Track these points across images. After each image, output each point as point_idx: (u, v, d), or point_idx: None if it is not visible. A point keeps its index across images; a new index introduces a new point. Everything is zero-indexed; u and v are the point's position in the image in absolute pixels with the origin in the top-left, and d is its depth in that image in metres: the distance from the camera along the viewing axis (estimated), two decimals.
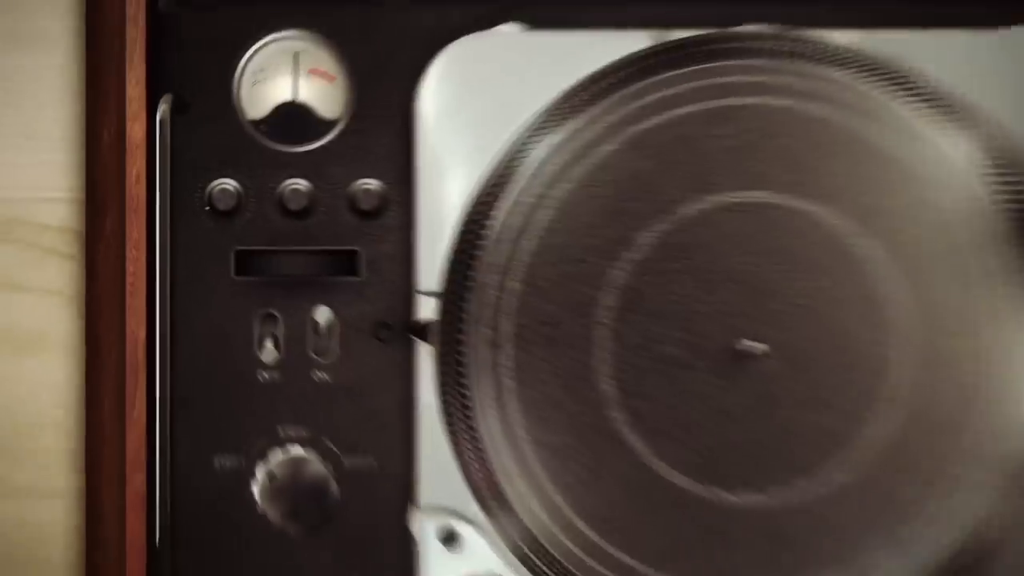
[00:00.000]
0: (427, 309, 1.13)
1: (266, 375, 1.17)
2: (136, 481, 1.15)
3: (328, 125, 1.17)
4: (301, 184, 1.16)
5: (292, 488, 1.16)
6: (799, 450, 1.17)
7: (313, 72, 1.16)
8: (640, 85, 1.14)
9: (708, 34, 1.14)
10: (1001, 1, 1.17)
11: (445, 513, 1.15)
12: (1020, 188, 1.13)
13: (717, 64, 1.14)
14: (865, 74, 1.15)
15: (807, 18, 1.17)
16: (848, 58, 1.15)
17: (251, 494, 1.16)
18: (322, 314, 1.16)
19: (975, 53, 1.15)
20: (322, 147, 1.17)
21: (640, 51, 1.14)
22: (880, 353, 1.16)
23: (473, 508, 1.12)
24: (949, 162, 1.14)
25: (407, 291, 1.17)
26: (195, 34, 1.18)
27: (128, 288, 1.17)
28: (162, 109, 1.15)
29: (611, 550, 1.14)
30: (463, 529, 1.14)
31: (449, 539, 1.14)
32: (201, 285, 1.18)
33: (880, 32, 1.14)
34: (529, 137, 1.14)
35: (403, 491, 1.16)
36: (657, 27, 1.15)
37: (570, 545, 1.13)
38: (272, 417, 1.17)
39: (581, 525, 1.13)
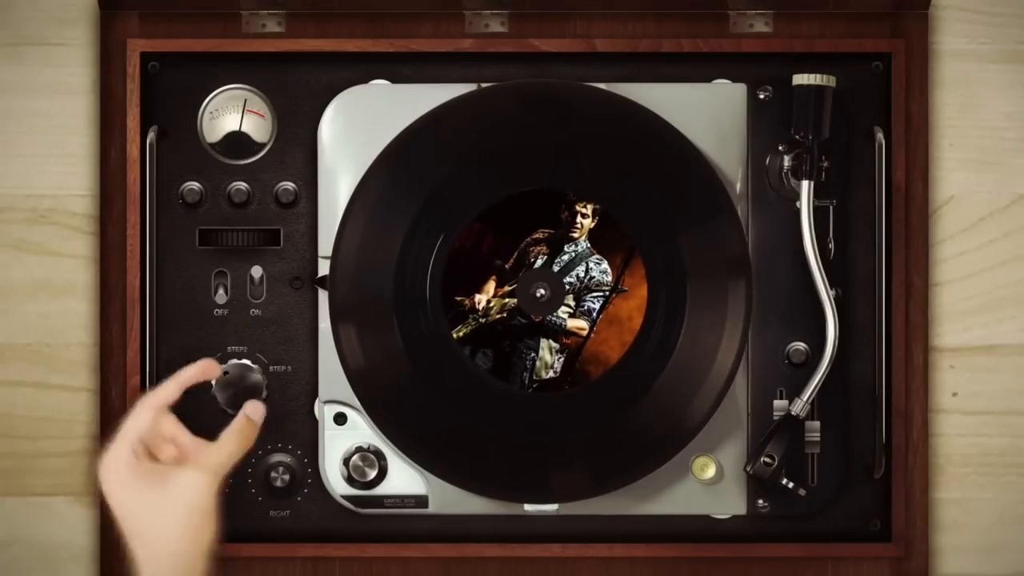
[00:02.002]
0: (324, 267, 1.33)
1: (219, 311, 1.36)
2: (133, 381, 1.34)
3: (261, 146, 1.36)
4: (243, 185, 1.35)
5: (237, 382, 1.34)
6: None
7: (251, 111, 1.35)
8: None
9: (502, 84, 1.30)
10: (706, 62, 1.34)
11: (337, 403, 1.34)
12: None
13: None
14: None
15: (577, 75, 1.34)
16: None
17: (209, 389, 1.33)
18: (256, 271, 1.36)
19: (690, 101, 1.33)
20: (256, 161, 1.36)
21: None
22: None
23: (355, 398, 1.33)
24: None
25: (312, 256, 1.35)
26: (172, 86, 1.35)
27: (128, 253, 1.34)
28: (150, 136, 1.32)
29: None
30: (349, 413, 1.35)
31: (340, 420, 1.35)
32: (176, 253, 1.35)
33: (624, 84, 1.32)
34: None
35: (309, 388, 1.35)
36: (476, 81, 1.33)
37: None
38: (223, 339, 1.36)
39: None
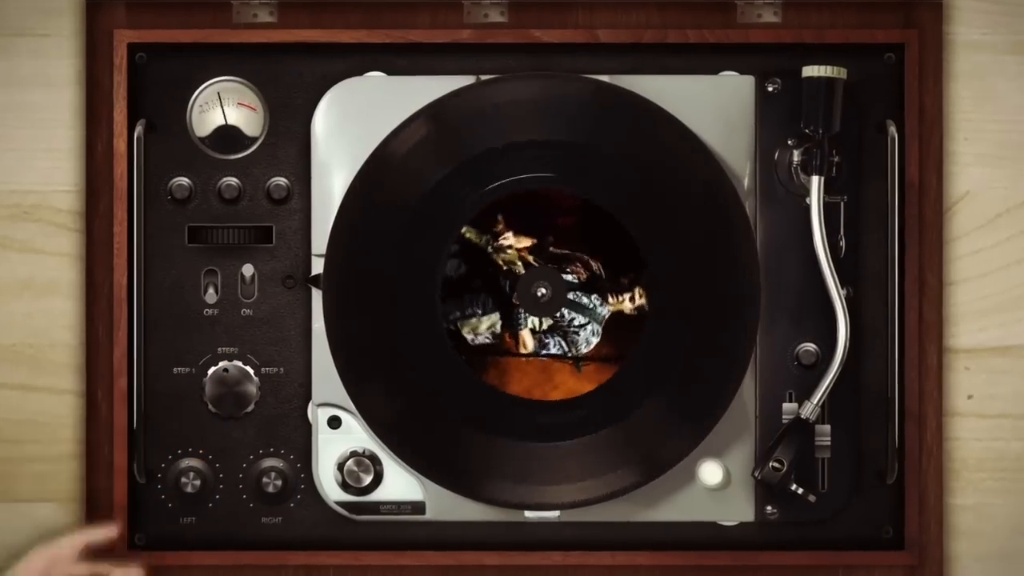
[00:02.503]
0: (318, 266, 1.32)
1: (209, 311, 1.35)
2: (120, 383, 1.33)
3: (252, 141, 1.34)
4: (233, 181, 1.34)
5: (232, 384, 1.33)
6: None
7: (241, 104, 1.34)
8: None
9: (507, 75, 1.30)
10: (713, 54, 1.33)
11: (331, 406, 1.34)
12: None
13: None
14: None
15: (579, 67, 1.32)
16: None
17: (199, 392, 1.33)
18: (247, 269, 1.34)
19: (696, 93, 1.33)
20: (247, 156, 1.35)
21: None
22: None
23: (350, 402, 1.32)
24: None
25: (306, 254, 1.34)
26: (161, 78, 1.34)
27: (115, 251, 1.33)
28: (138, 130, 1.32)
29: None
30: (344, 417, 1.34)
31: (334, 424, 1.34)
32: (164, 250, 1.34)
33: (628, 76, 1.31)
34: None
35: (303, 390, 1.35)
36: (475, 73, 1.32)
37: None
38: (213, 339, 1.35)
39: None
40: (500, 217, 1.37)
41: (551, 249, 1.39)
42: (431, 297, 1.32)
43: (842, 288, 1.33)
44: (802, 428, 1.29)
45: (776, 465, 1.27)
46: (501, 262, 1.38)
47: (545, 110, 1.30)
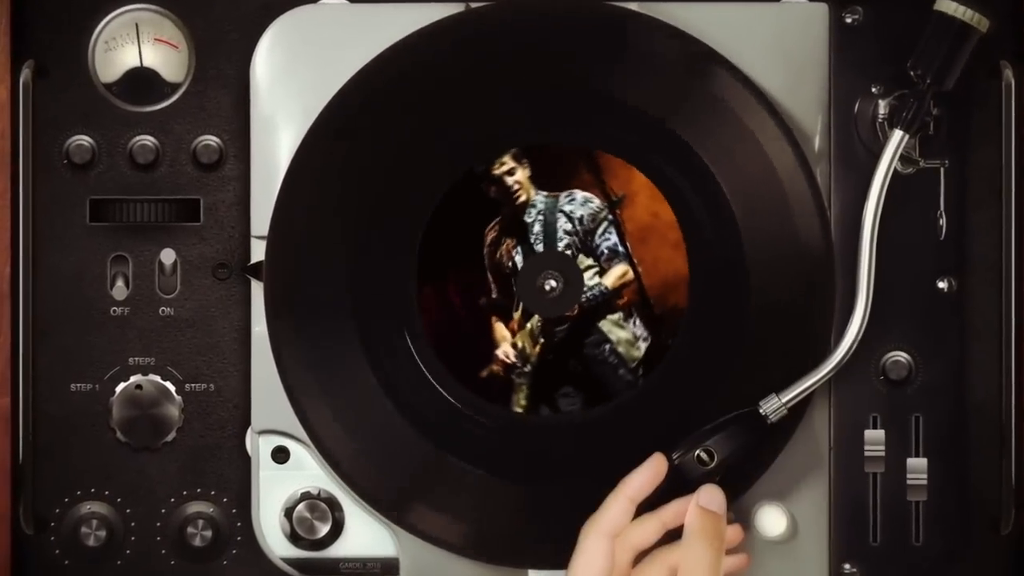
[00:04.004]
0: (259, 251, 1.24)
1: (117, 310, 1.27)
2: (1, 404, 1.25)
3: (173, 88, 1.26)
4: (149, 140, 1.25)
5: (147, 405, 1.26)
6: None
7: (159, 40, 1.26)
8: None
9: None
10: None
11: (276, 433, 1.25)
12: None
13: None
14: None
15: None
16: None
17: (104, 415, 1.25)
18: (167, 255, 1.26)
19: (752, 25, 1.24)
20: (167, 107, 1.26)
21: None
22: None
23: (300, 428, 1.23)
24: None
25: (243, 235, 1.26)
26: (53, 6, 1.25)
27: None
28: (25, 74, 1.23)
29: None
30: (293, 447, 1.25)
31: (280, 457, 1.25)
32: (59, 230, 1.26)
33: (662, 4, 1.22)
34: None
35: (239, 413, 1.27)
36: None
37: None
38: (122, 346, 1.26)
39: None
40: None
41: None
42: (406, 291, 1.26)
43: (942, 280, 1.24)
44: (754, 424, 1.20)
45: (703, 456, 1.19)
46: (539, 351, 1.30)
47: (556, 48, 1.23)
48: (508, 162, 1.27)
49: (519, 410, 1.26)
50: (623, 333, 1.28)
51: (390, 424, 1.24)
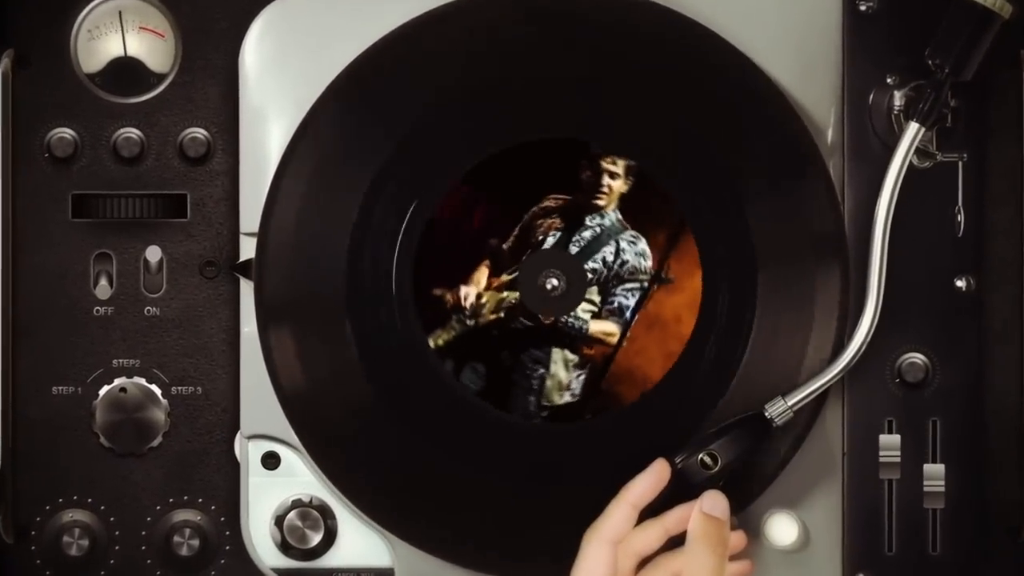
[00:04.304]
0: (249, 248, 1.22)
1: (100, 310, 1.26)
2: None
3: (159, 78, 1.26)
4: (133, 133, 1.25)
5: (131, 409, 1.25)
6: None
7: (144, 29, 1.25)
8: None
9: None
10: None
11: (266, 439, 1.24)
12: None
13: None
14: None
15: None
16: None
17: (87, 419, 1.25)
18: (152, 253, 1.26)
19: (763, 13, 1.23)
20: (153, 99, 1.26)
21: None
22: None
23: (292, 433, 1.22)
24: None
25: (231, 231, 1.26)
26: None
27: None
28: (4, 63, 1.23)
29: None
30: (284, 453, 1.24)
31: (270, 463, 1.24)
32: (40, 226, 1.26)
33: None
34: None
35: (228, 418, 1.26)
36: None
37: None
38: (106, 348, 1.26)
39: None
40: (437, 291, 1.28)
41: (504, 247, 1.29)
42: (404, 291, 1.24)
43: (960, 278, 1.23)
44: (759, 428, 1.19)
45: (707, 460, 1.19)
46: (492, 316, 1.30)
47: (549, 35, 1.23)
48: (618, 167, 1.27)
49: (433, 345, 1.25)
50: (562, 374, 1.28)
51: (386, 429, 1.24)
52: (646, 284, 1.28)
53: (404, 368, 1.24)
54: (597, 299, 1.28)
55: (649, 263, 1.28)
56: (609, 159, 1.26)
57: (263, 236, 1.22)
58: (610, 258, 1.28)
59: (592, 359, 1.27)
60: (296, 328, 1.23)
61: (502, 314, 1.28)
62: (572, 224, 1.28)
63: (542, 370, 1.27)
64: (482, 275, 1.27)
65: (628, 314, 1.28)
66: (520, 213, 1.27)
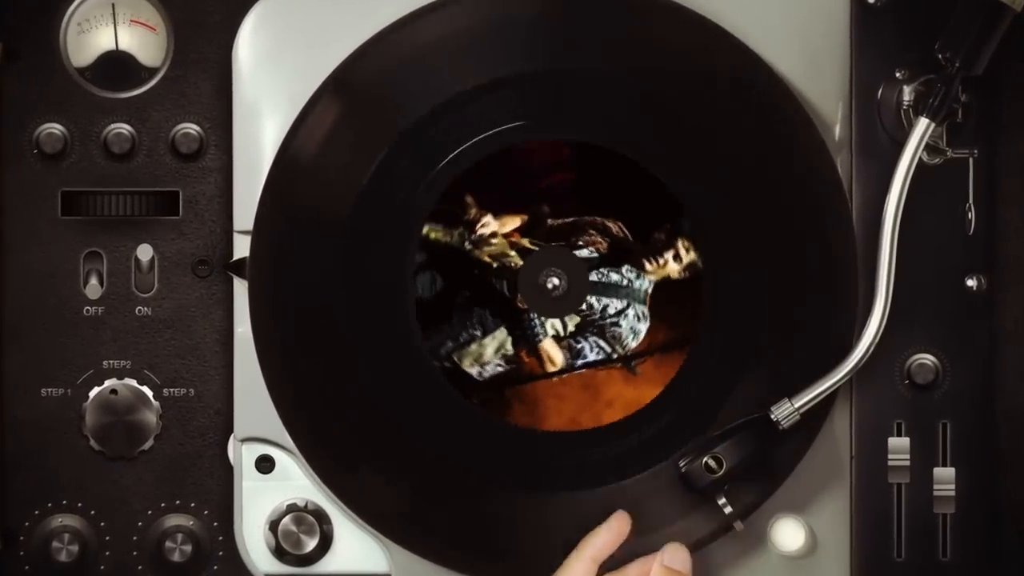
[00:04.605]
0: (243, 246, 1.22)
1: (91, 309, 1.25)
2: None
3: (150, 72, 1.25)
4: (124, 129, 1.25)
5: (122, 411, 1.25)
6: None
7: (135, 22, 1.25)
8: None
9: None
10: None
11: (260, 441, 1.24)
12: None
13: None
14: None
15: None
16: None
17: (77, 422, 1.25)
18: (144, 251, 1.25)
19: (769, 6, 1.22)
20: (144, 93, 1.25)
21: None
22: None
23: (287, 437, 1.22)
24: None
25: (225, 229, 1.25)
26: None
27: None
28: None
29: None
30: (278, 456, 1.24)
31: (264, 466, 1.24)
32: (28, 224, 1.25)
33: None
34: None
35: (221, 420, 1.26)
36: None
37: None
38: (96, 348, 1.25)
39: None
40: (469, 198, 1.31)
41: (549, 222, 1.34)
42: (403, 291, 1.23)
43: (970, 277, 1.23)
44: (765, 431, 1.19)
45: (711, 464, 1.19)
46: (488, 258, 1.33)
47: (561, 31, 1.22)
48: (686, 254, 1.33)
49: (424, 232, 1.28)
50: (488, 352, 1.31)
51: (383, 434, 1.24)
52: (613, 356, 1.31)
53: (401, 373, 1.23)
54: (571, 327, 1.31)
55: (633, 344, 1.31)
56: (686, 243, 1.30)
57: (258, 234, 1.21)
58: (611, 311, 1.31)
59: (519, 365, 1.30)
60: (291, 330, 1.22)
61: (494, 264, 1.29)
62: (613, 258, 1.31)
63: (478, 333, 1.29)
64: (512, 222, 1.30)
65: (578, 362, 1.31)
66: (585, 209, 1.31)
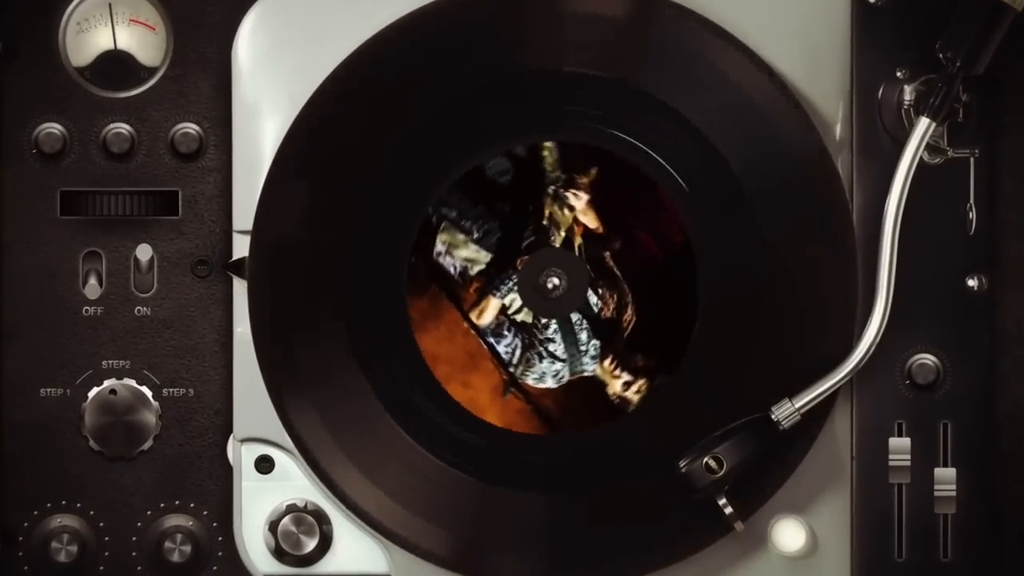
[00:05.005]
0: (242, 246, 1.22)
1: (90, 310, 1.26)
2: None
3: (149, 72, 1.25)
4: (123, 128, 1.25)
5: (122, 411, 1.25)
6: None
7: (134, 22, 1.25)
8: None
9: None
10: None
11: (260, 442, 1.24)
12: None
13: None
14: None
15: None
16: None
17: (76, 422, 1.25)
18: (143, 251, 1.25)
19: (769, 5, 1.23)
20: (143, 93, 1.25)
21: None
22: None
23: (286, 437, 1.22)
24: None
25: (224, 229, 1.25)
26: None
27: None
28: None
29: None
30: (278, 457, 1.24)
31: (264, 467, 1.24)
32: (28, 224, 1.25)
33: None
34: None
35: (220, 420, 1.26)
36: None
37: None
38: (95, 348, 1.26)
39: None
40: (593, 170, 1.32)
41: (606, 256, 1.35)
42: (399, 294, 1.24)
43: (971, 278, 1.23)
44: (765, 431, 1.20)
45: (712, 464, 1.20)
46: (549, 215, 1.33)
47: (557, 31, 1.23)
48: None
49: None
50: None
51: (383, 435, 1.24)
52: (508, 367, 1.34)
53: (401, 374, 1.24)
54: (523, 314, 1.33)
55: (532, 380, 1.33)
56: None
57: (257, 234, 1.22)
58: (551, 337, 1.34)
59: (460, 287, 1.32)
60: (290, 330, 1.23)
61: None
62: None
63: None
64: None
65: (489, 338, 1.34)
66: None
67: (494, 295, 1.34)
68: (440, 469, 1.23)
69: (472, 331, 1.35)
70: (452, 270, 1.34)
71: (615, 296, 1.36)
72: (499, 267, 1.35)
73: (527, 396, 1.35)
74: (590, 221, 1.33)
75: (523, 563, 1.23)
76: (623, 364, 1.34)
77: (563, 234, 1.34)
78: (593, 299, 1.34)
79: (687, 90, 1.22)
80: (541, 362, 1.36)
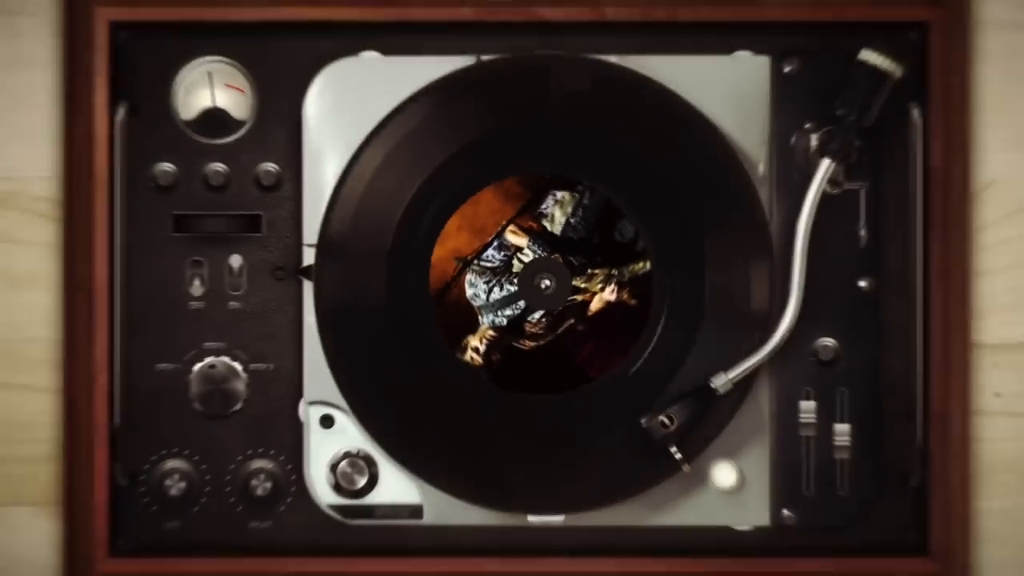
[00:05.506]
0: (310, 256, 1.31)
1: (195, 304, 1.33)
2: (101, 380, 1.31)
3: (240, 124, 1.32)
4: (220, 167, 1.32)
5: (219, 380, 1.33)
6: None
7: (228, 86, 1.32)
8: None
9: (505, 57, 1.30)
10: (726, 32, 1.31)
11: (324, 404, 1.32)
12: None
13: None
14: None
15: (585, 47, 1.31)
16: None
17: (184, 390, 1.32)
18: (235, 260, 1.33)
19: (709, 75, 1.31)
20: (235, 140, 1.33)
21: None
22: None
23: (343, 400, 1.31)
24: None
25: (296, 243, 1.32)
26: (143, 59, 1.32)
27: (95, 240, 1.31)
28: (120, 113, 1.30)
29: None
30: (337, 416, 1.32)
31: (326, 423, 1.32)
32: (148, 240, 1.32)
33: (637, 57, 1.29)
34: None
35: (293, 388, 1.33)
36: (476, 53, 1.30)
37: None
38: (199, 334, 1.33)
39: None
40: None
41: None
42: (425, 292, 1.32)
43: (862, 280, 1.31)
44: (706, 396, 1.26)
45: (665, 421, 1.24)
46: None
47: (546, 92, 1.30)
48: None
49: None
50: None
51: (418, 400, 1.31)
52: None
53: (433, 357, 1.31)
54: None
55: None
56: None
57: (320, 247, 1.29)
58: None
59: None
60: (345, 320, 1.30)
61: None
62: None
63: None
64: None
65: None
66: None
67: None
68: (461, 428, 1.32)
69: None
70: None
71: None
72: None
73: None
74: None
75: (528, 497, 1.31)
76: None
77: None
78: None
79: (644, 137, 1.29)
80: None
